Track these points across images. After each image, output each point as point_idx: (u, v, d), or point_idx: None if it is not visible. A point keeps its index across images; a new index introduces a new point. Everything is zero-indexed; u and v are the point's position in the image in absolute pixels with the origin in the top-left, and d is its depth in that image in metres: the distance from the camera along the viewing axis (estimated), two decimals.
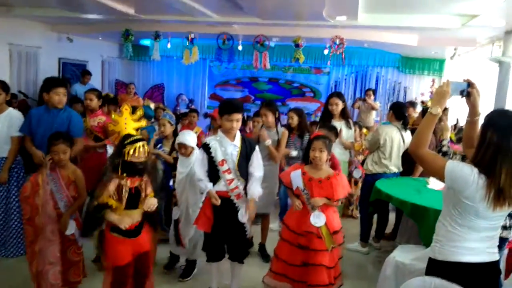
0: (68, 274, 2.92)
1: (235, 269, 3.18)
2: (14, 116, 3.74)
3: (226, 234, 3.03)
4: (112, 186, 2.53)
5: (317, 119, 7.00)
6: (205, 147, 2.99)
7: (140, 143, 2.56)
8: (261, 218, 4.07)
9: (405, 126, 4.31)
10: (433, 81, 9.04)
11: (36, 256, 2.81)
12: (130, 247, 2.61)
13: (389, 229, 4.58)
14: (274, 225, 4.73)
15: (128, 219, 2.50)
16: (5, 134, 3.67)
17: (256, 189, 3.01)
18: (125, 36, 7.73)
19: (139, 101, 8.02)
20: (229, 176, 2.96)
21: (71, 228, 2.86)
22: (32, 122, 3.59)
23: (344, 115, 4.54)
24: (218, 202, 2.89)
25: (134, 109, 4.38)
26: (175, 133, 3.86)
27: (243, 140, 3.06)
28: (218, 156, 2.96)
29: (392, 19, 5.80)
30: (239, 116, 2.95)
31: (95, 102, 4.26)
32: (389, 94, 9.44)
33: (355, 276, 3.74)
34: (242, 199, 3.01)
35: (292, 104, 10.09)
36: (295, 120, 4.42)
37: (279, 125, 4.19)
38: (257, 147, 3.12)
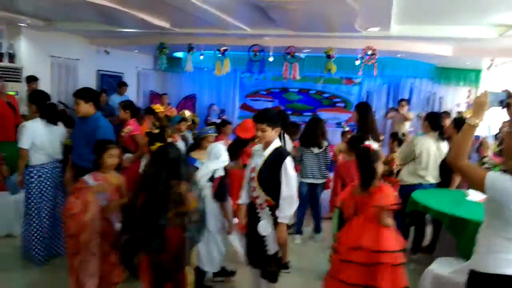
0: (110, 276, 3.00)
1: (262, 284, 3.08)
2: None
3: (249, 240, 3.08)
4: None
5: (346, 129, 7.00)
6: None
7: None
8: None
9: (441, 136, 4.23)
10: (470, 92, 8.80)
11: (76, 269, 2.88)
12: None
13: (427, 241, 4.48)
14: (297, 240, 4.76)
15: None
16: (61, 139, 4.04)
17: (284, 212, 2.86)
18: (160, 49, 7.95)
19: (173, 112, 8.18)
20: (253, 184, 2.99)
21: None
22: (75, 131, 3.92)
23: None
24: (242, 221, 3.04)
25: (168, 119, 4.52)
26: None
27: (275, 151, 2.94)
28: (251, 163, 3.03)
29: (425, 30, 5.74)
30: (262, 126, 2.88)
31: (124, 115, 4.72)
32: (423, 105, 9.26)
33: None
34: (264, 211, 2.95)
35: (323, 114, 10.08)
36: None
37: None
38: (286, 161, 2.89)
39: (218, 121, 9.31)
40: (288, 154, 3.00)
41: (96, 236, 2.87)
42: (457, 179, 4.30)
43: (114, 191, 3.01)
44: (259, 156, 2.98)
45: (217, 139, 4.41)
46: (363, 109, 4.59)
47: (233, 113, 11.10)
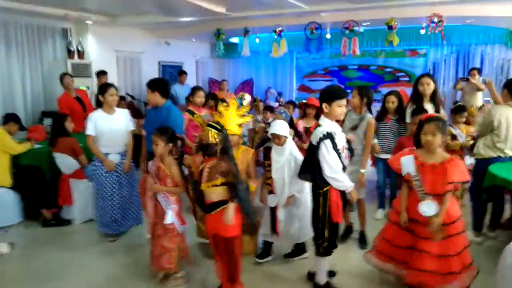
0: (162, 259, 3.16)
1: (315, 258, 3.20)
2: (125, 112, 4.27)
3: None
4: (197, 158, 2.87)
5: None
6: (331, 137, 2.85)
7: (211, 129, 2.74)
8: (356, 204, 3.95)
9: None
10: None
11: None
12: (209, 222, 2.87)
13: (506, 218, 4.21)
14: (379, 214, 4.64)
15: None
16: (123, 130, 4.18)
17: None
18: (217, 35, 8.06)
19: (232, 97, 8.30)
20: (347, 162, 2.99)
21: (170, 218, 3.07)
22: (147, 120, 4.09)
23: (435, 98, 4.24)
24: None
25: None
26: (291, 125, 3.98)
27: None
28: (339, 145, 2.90)
29: None
30: (345, 101, 2.92)
31: (202, 99, 5.01)
32: (496, 73, 8.56)
33: None
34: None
35: (385, 90, 9.66)
36: (394, 104, 4.30)
37: (367, 112, 3.92)
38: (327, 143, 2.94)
39: (276, 104, 9.33)
40: None
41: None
42: None
43: (162, 177, 3.10)
44: (340, 136, 2.97)
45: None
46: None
47: (291, 95, 11.02)
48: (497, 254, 2.90)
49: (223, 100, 3.34)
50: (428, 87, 4.21)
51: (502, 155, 3.84)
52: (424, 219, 2.77)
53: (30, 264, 3.75)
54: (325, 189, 2.88)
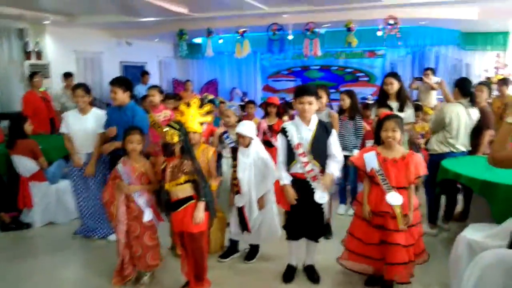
0: (146, 258, 3.15)
1: (310, 247, 3.31)
2: (99, 114, 4.08)
3: (303, 214, 3.13)
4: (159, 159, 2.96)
5: (370, 102, 6.90)
6: (283, 132, 3.10)
7: (170, 128, 2.79)
8: None
9: (472, 102, 4.13)
10: (498, 55, 8.50)
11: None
12: (176, 219, 2.90)
13: (458, 211, 4.45)
14: (341, 209, 4.79)
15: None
16: (93, 131, 4.01)
17: (334, 167, 3.10)
18: (180, 36, 8.03)
19: (196, 98, 8.30)
20: (304, 159, 3.04)
21: (149, 215, 3.08)
22: (110, 120, 3.92)
23: (400, 95, 4.43)
24: (293, 201, 3.04)
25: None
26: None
27: (319, 124, 3.10)
28: (294, 140, 3.05)
29: None
30: (310, 99, 2.99)
31: (157, 98, 4.61)
32: (450, 73, 9.02)
33: None
34: (317, 181, 3.07)
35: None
36: (346, 102, 4.47)
37: (328, 108, 4.29)
38: (333, 131, 3.14)
39: (242, 103, 9.40)
40: (329, 123, 3.28)
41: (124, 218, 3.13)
42: (483, 147, 4.23)
43: (138, 177, 3.11)
44: (302, 132, 3.05)
45: (244, 119, 4.55)
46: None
47: (256, 95, 11.13)
48: (450, 245, 3.09)
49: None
50: (392, 86, 4.38)
51: (454, 150, 4.06)
52: (391, 209, 2.88)
53: None
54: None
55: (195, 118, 3.17)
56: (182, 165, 2.77)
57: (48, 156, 4.60)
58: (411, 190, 2.95)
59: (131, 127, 3.19)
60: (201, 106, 3.33)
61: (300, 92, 3.04)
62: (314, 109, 3.06)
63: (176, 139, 2.76)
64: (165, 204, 2.94)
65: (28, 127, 4.55)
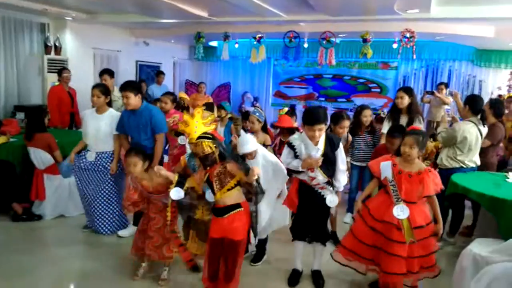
0: (163, 249, 3.26)
1: (317, 250, 3.36)
2: (114, 115, 4.14)
3: (309, 216, 3.20)
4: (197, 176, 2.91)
5: (383, 115, 6.92)
6: (290, 146, 3.15)
7: (204, 140, 2.77)
8: None
9: (482, 120, 4.15)
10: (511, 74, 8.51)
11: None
12: (219, 225, 2.83)
13: (465, 225, 4.47)
14: (347, 218, 4.84)
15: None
16: (109, 131, 4.09)
17: (342, 183, 3.20)
18: (197, 38, 8.13)
19: (209, 100, 8.39)
20: (311, 174, 3.10)
21: (175, 193, 2.91)
22: (124, 123, 3.98)
23: (411, 110, 4.44)
24: (318, 163, 3.04)
25: (208, 107, 4.64)
26: (264, 129, 4.12)
27: (327, 140, 3.11)
28: (302, 156, 3.09)
29: (467, 11, 5.62)
30: (320, 126, 3.01)
31: (169, 106, 4.77)
32: (463, 88, 9.03)
33: None
34: (326, 189, 3.14)
35: (358, 99, 10.01)
36: (369, 118, 4.59)
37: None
38: (340, 145, 3.19)
39: (252, 109, 9.46)
40: (337, 137, 3.32)
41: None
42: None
43: (154, 190, 3.20)
44: (311, 151, 3.07)
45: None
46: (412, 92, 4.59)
47: (267, 100, 11.21)
48: (454, 258, 3.13)
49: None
50: (402, 100, 4.42)
51: (464, 166, 4.09)
52: (397, 222, 2.90)
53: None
54: None
55: (199, 129, 3.13)
56: (226, 169, 2.75)
57: (63, 150, 4.70)
58: (434, 200, 2.98)
59: (129, 149, 3.37)
60: (212, 110, 3.35)
61: (310, 121, 3.02)
62: (323, 133, 3.07)
63: (213, 147, 2.75)
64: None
65: (46, 120, 4.69)
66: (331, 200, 3.12)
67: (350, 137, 4.59)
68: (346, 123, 4.18)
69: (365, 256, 3.09)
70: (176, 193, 2.90)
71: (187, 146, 3.94)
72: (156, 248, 3.28)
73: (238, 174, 2.75)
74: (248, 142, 3.25)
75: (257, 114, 4.06)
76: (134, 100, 3.82)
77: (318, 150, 3.06)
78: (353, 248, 3.12)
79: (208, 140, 2.75)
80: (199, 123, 2.97)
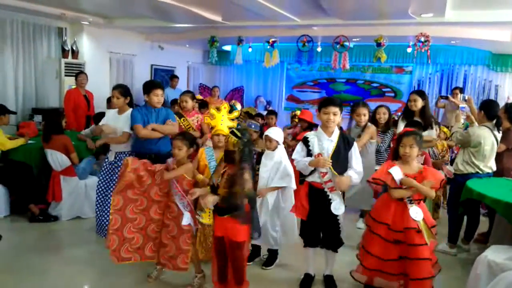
0: (178, 260, 3.21)
1: (329, 257, 3.36)
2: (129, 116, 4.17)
3: (320, 223, 3.20)
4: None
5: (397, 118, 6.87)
6: (305, 141, 3.19)
7: (231, 135, 2.83)
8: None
9: (497, 126, 4.10)
10: None
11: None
12: (220, 224, 2.86)
13: (480, 232, 4.41)
14: (360, 223, 4.81)
15: (211, 198, 2.76)
16: (121, 131, 4.12)
17: (352, 173, 3.11)
18: (211, 42, 8.21)
19: (223, 103, 8.44)
20: (323, 170, 3.11)
21: (187, 220, 3.06)
22: (143, 118, 4.04)
23: (424, 114, 4.44)
24: (328, 163, 3.03)
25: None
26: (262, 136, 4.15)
27: (341, 136, 3.17)
28: (315, 150, 3.12)
29: (482, 15, 5.57)
30: (335, 109, 3.07)
31: (190, 104, 4.78)
32: (478, 93, 8.91)
33: (443, 277, 3.64)
34: (335, 192, 3.12)
35: (371, 104, 9.92)
36: (386, 115, 4.61)
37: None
38: (355, 144, 3.20)
39: (265, 112, 9.52)
40: (352, 138, 3.34)
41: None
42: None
43: (181, 182, 3.16)
44: (324, 142, 3.11)
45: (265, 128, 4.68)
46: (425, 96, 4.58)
47: (280, 104, 11.22)
48: (469, 265, 3.10)
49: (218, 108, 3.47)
50: (415, 103, 4.42)
51: (479, 171, 4.05)
52: (416, 225, 2.90)
53: (15, 258, 3.77)
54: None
55: (225, 122, 3.33)
56: (235, 174, 2.75)
57: (79, 153, 4.79)
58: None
59: (179, 133, 3.46)
60: (230, 111, 3.49)
61: (325, 102, 3.13)
62: (338, 120, 3.12)
63: (235, 147, 2.77)
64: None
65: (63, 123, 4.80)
66: (336, 207, 3.10)
67: (379, 139, 4.54)
68: (362, 110, 4.29)
69: (393, 272, 3.01)
70: (187, 220, 3.05)
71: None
72: (170, 259, 3.24)
73: (237, 185, 2.72)
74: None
75: (253, 126, 4.19)
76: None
77: (331, 142, 3.10)
78: (378, 267, 3.03)
79: (235, 138, 2.80)
80: (225, 117, 3.17)
